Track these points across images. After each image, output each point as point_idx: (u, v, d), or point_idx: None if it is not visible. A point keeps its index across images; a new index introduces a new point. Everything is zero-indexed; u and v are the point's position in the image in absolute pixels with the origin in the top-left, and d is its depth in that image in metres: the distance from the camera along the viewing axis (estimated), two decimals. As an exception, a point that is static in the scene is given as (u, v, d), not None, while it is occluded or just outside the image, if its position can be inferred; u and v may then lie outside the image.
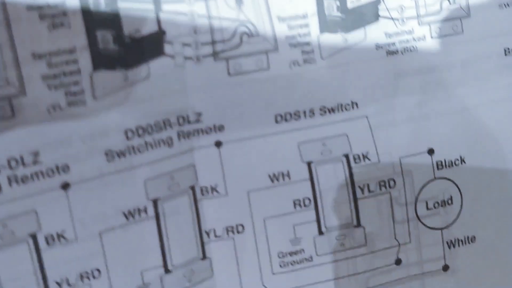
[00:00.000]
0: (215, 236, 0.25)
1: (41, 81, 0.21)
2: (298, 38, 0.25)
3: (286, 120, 0.25)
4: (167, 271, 0.25)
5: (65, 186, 0.22)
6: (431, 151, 0.27)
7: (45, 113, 0.22)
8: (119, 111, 0.23)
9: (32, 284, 0.22)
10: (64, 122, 0.22)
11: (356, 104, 0.26)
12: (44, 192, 0.22)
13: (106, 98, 0.22)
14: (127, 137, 0.23)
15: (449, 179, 0.27)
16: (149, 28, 0.23)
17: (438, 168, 0.27)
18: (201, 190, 0.25)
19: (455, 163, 0.27)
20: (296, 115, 0.25)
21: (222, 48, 0.24)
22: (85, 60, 0.22)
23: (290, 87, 0.25)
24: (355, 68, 0.26)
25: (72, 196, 0.22)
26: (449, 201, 0.27)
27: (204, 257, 0.25)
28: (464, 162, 0.27)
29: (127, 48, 0.22)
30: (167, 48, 0.23)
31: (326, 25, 0.25)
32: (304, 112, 0.25)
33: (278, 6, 0.24)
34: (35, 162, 0.22)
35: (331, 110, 0.26)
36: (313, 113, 0.25)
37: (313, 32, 0.25)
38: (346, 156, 0.26)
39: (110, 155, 0.23)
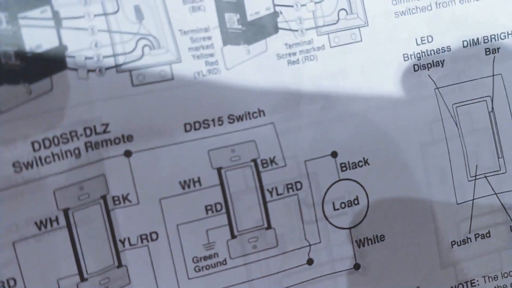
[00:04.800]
0: (130, 244, 0.26)
1: None
2: (202, 50, 0.26)
3: (195, 128, 0.26)
4: (82, 279, 0.25)
5: (-26, 197, 0.23)
6: (334, 154, 0.28)
7: None
8: (25, 124, 0.24)
9: None
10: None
11: (263, 112, 0.27)
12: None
13: (11, 112, 0.23)
14: (34, 149, 0.24)
15: (353, 180, 0.28)
16: (50, 43, 0.24)
17: (342, 170, 0.28)
18: (113, 200, 0.26)
19: (358, 165, 0.28)
20: (205, 124, 0.26)
21: (124, 60, 0.25)
22: None
23: (197, 96, 0.26)
24: (259, 77, 0.27)
25: None
26: (355, 201, 0.28)
27: (120, 265, 0.26)
28: (368, 164, 0.28)
29: (29, 63, 0.23)
30: (69, 62, 0.24)
31: (228, 37, 0.26)
32: (213, 120, 0.26)
33: (180, 20, 0.25)
34: None
35: (239, 118, 0.27)
36: (222, 121, 0.27)
37: (216, 44, 0.26)
38: (255, 161, 0.27)
39: (17, 166, 0.24)
